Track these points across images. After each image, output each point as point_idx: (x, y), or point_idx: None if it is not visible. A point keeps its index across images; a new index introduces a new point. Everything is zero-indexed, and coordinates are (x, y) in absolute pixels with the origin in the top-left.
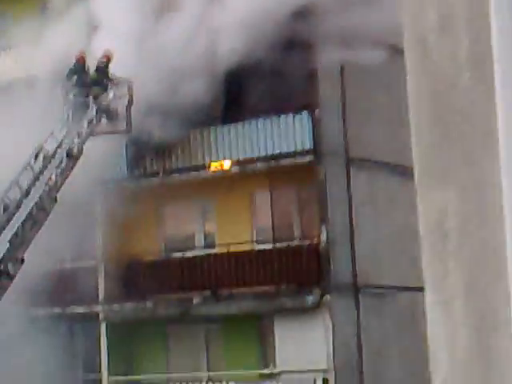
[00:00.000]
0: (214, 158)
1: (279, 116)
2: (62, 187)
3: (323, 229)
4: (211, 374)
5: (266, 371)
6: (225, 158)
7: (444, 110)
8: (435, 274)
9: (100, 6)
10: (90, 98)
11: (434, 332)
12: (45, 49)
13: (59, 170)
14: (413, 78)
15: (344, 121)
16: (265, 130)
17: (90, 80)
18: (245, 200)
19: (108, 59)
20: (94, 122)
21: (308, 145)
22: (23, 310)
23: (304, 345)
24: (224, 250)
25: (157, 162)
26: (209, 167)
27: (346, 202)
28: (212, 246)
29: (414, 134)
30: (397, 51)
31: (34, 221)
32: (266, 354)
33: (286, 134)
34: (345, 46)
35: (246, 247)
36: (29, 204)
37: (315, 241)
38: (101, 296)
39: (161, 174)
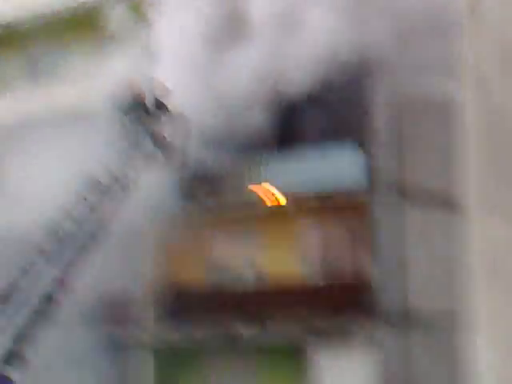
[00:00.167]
0: (267, 192)
1: (333, 150)
2: (115, 218)
3: (374, 264)
4: None
5: None
6: (278, 192)
7: (501, 150)
8: (487, 312)
9: (162, 33)
10: (147, 129)
11: (483, 370)
12: (103, 79)
13: (113, 202)
14: (473, 116)
15: (399, 157)
16: (319, 164)
17: (147, 113)
18: (295, 233)
19: (167, 92)
20: (150, 155)
21: (361, 181)
22: (70, 336)
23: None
24: (273, 282)
25: (209, 194)
26: (262, 202)
27: (400, 239)
28: (261, 278)
29: (471, 172)
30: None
31: (86, 250)
32: None
33: (341, 169)
34: (406, 79)
35: (296, 281)
36: (81, 235)
37: (366, 277)
38: (149, 325)
39: (212, 206)
